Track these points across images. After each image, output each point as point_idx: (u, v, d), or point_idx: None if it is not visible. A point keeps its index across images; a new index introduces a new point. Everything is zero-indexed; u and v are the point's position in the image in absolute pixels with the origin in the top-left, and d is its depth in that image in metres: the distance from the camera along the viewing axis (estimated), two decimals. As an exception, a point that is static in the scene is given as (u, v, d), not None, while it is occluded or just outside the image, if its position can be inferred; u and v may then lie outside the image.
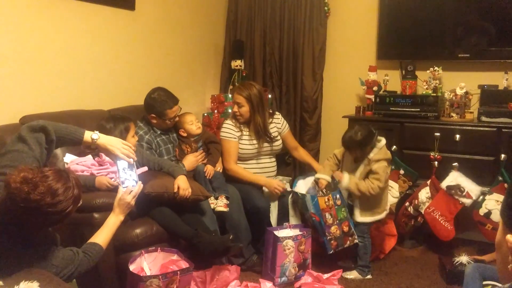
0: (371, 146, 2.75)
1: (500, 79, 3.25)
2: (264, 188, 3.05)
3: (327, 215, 2.78)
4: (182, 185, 2.45)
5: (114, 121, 2.50)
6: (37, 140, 1.67)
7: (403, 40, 3.59)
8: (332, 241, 2.77)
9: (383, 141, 2.79)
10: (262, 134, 3.07)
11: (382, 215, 2.87)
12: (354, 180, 2.76)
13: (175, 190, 2.43)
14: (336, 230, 2.79)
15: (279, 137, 3.20)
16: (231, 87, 3.87)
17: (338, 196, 2.85)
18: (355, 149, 2.76)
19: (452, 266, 2.77)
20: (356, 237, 2.84)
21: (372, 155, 2.74)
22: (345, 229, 2.81)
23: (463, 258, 2.76)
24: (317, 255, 2.89)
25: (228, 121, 3.12)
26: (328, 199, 2.80)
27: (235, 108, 3.06)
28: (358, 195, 2.77)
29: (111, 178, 2.34)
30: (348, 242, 2.82)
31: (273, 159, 3.23)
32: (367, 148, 2.74)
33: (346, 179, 2.77)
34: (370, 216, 2.83)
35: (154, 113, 2.81)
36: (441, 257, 2.99)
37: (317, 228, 2.81)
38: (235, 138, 3.06)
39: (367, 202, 2.81)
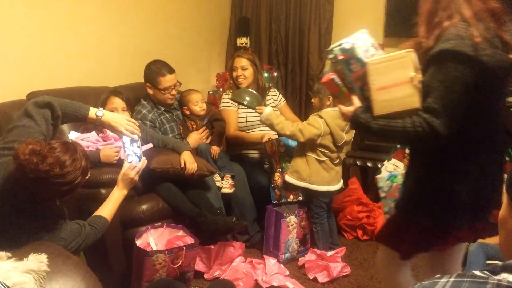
0: (322, 97, 2.71)
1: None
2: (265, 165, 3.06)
3: (273, 161, 2.80)
4: (188, 160, 2.47)
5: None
6: (43, 115, 1.68)
7: (412, 17, 3.51)
8: (276, 190, 2.76)
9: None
10: (265, 95, 3.09)
11: (308, 186, 2.71)
12: (275, 113, 2.72)
13: (182, 165, 2.44)
14: (278, 179, 2.78)
15: (276, 109, 3.17)
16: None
17: (282, 143, 2.85)
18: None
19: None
20: (300, 193, 2.80)
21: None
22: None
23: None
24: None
25: (225, 94, 3.16)
26: (272, 144, 2.81)
27: (239, 72, 3.04)
28: (279, 131, 2.69)
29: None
30: (292, 197, 2.79)
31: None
32: (319, 94, 2.73)
33: (266, 110, 2.68)
34: (295, 179, 2.73)
35: (149, 82, 2.80)
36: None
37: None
38: (233, 107, 3.10)
39: (294, 162, 2.75)
